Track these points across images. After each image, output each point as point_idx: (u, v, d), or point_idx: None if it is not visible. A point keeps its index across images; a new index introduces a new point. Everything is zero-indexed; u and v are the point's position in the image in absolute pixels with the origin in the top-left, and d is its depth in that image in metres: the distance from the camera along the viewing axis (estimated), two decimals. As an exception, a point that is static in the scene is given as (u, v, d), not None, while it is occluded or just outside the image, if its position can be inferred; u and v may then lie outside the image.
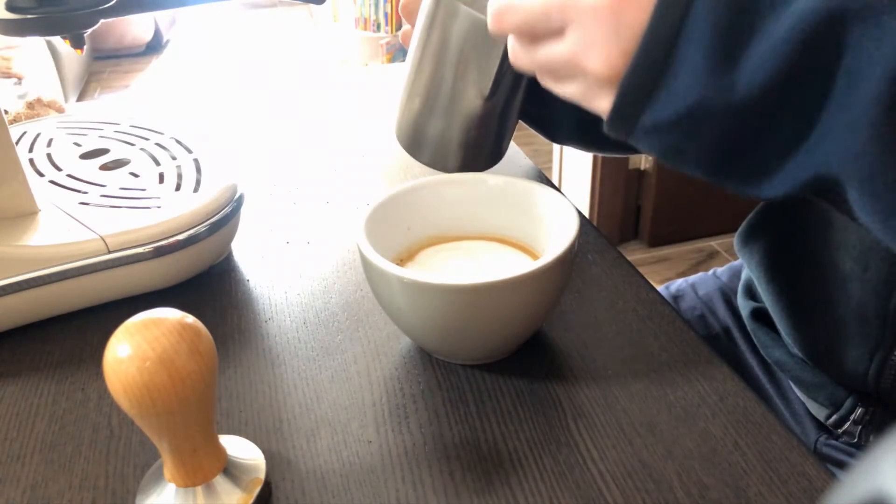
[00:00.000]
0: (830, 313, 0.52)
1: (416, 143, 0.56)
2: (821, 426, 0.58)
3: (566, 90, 0.39)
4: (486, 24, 0.48)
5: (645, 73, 0.34)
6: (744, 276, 0.64)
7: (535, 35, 0.38)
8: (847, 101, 0.31)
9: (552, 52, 0.37)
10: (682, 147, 0.35)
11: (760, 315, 0.60)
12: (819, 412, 0.57)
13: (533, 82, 0.54)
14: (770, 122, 0.33)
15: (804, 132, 0.32)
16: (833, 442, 0.58)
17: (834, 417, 0.56)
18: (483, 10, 0.53)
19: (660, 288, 0.72)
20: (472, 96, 0.51)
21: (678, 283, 0.72)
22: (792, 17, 0.31)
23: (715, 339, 0.66)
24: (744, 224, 0.59)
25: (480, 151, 0.56)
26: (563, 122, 0.59)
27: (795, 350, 0.57)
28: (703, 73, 0.32)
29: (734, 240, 0.60)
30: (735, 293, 0.67)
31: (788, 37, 0.31)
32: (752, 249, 0.57)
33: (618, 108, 0.35)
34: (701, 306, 0.68)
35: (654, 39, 0.33)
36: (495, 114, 0.54)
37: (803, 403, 0.60)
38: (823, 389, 0.56)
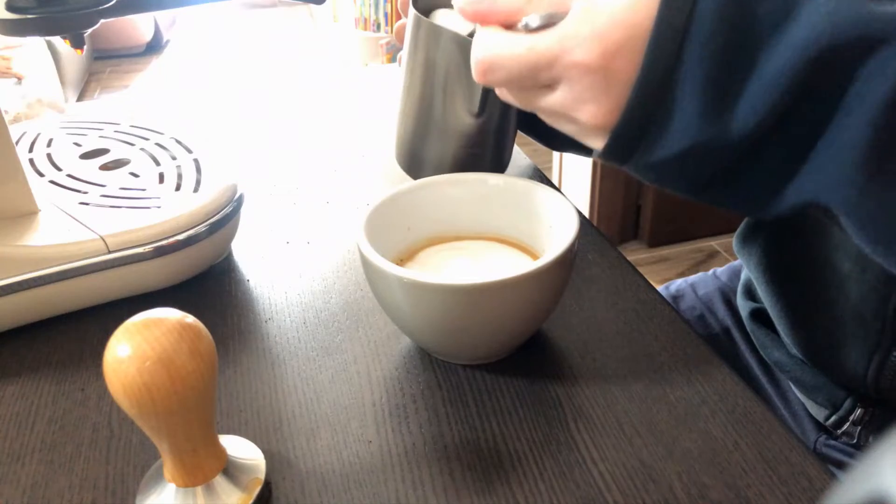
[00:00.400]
0: (829, 314, 0.52)
1: (415, 165, 0.56)
2: (820, 426, 0.58)
3: (559, 127, 0.39)
4: (467, 43, 0.47)
5: (637, 124, 0.34)
6: (743, 276, 0.64)
7: (524, 88, 0.38)
8: (836, 135, 0.31)
9: (543, 102, 0.37)
10: (674, 179, 0.35)
11: (760, 315, 0.60)
12: (818, 413, 0.57)
13: None
14: (762, 155, 0.33)
15: (795, 164, 0.33)
16: (832, 442, 0.58)
17: (833, 418, 0.56)
18: (465, 29, 0.52)
19: (660, 288, 0.72)
20: (463, 115, 0.51)
21: (678, 283, 0.72)
22: (786, 52, 0.30)
23: (714, 339, 0.66)
24: (742, 225, 0.59)
25: (480, 167, 0.55)
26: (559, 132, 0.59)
27: (794, 351, 0.57)
28: (696, 118, 0.32)
29: (733, 240, 0.60)
30: (735, 293, 0.67)
31: (783, 75, 0.30)
32: (751, 250, 0.57)
33: (610, 151, 0.35)
34: (701, 306, 0.68)
35: (645, 92, 0.33)
36: (490, 129, 0.53)
37: (803, 404, 0.60)
38: (822, 390, 0.56)
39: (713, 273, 0.72)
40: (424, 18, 0.49)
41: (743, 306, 0.63)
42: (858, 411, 0.54)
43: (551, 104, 0.37)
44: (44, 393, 0.45)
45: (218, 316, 0.50)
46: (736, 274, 0.70)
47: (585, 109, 0.35)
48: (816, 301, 0.52)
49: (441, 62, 0.49)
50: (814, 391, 0.56)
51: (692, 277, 0.72)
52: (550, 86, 0.36)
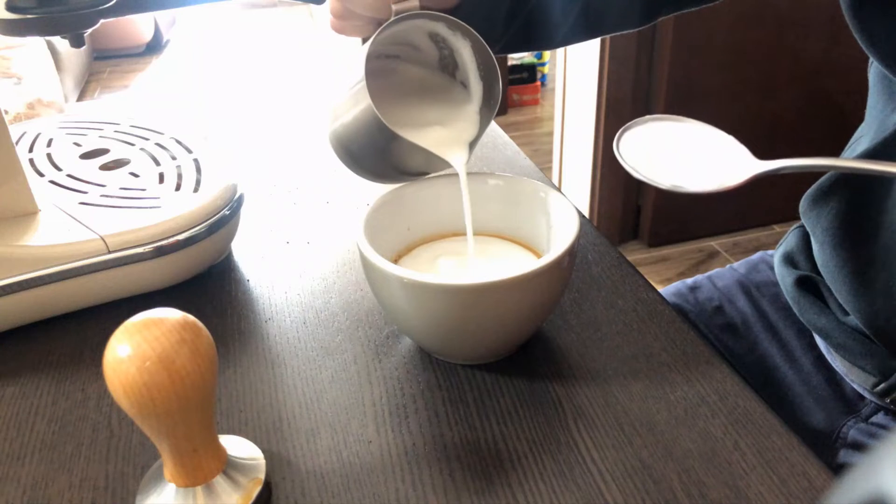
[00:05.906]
0: None
1: (347, 160, 0.52)
2: (848, 410, 0.58)
3: None
4: (386, 130, 0.43)
5: None
6: (783, 247, 0.64)
7: None
8: None
9: None
10: None
11: (805, 283, 0.60)
12: (865, 380, 0.57)
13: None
14: None
15: None
16: (861, 425, 0.57)
17: (882, 385, 0.55)
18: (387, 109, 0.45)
19: (676, 282, 0.72)
20: (384, 164, 0.48)
21: (695, 277, 0.72)
22: None
23: (732, 328, 0.66)
24: (814, 187, 0.58)
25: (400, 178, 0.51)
26: (557, 29, 0.56)
27: (847, 318, 0.56)
28: None
29: (801, 202, 0.58)
30: (754, 285, 0.67)
31: None
32: (822, 212, 0.57)
33: None
34: (719, 297, 0.68)
35: None
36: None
37: (827, 386, 0.60)
38: (873, 358, 0.55)
39: (730, 267, 0.72)
40: (368, 96, 0.43)
41: (785, 274, 0.62)
42: None
43: None
44: (44, 393, 0.45)
45: (218, 316, 0.50)
46: (754, 268, 0.70)
47: None
48: (888, 265, 0.52)
49: (367, 138, 0.46)
50: (862, 358, 0.56)
51: (709, 272, 0.73)
52: None
